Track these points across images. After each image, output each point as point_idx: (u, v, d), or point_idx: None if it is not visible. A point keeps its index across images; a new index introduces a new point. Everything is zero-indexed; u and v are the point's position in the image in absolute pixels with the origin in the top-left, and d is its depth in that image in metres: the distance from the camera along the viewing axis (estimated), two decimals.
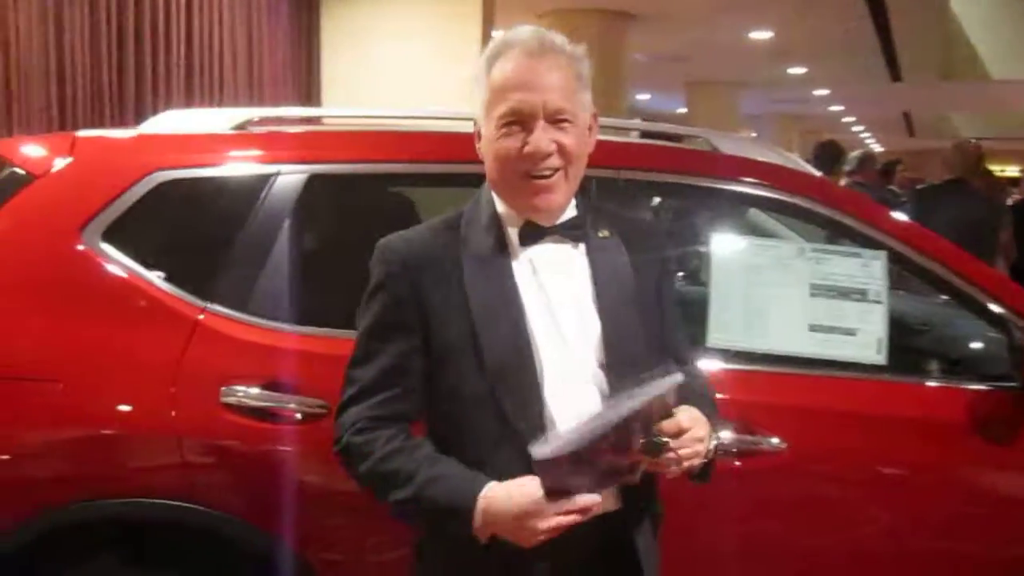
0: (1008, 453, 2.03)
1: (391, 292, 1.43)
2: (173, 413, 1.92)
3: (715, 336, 2.09)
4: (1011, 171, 23.52)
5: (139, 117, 4.75)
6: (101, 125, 4.53)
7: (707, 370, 1.89)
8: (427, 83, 5.99)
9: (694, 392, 1.47)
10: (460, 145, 2.20)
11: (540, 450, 1.25)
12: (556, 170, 1.38)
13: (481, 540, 1.34)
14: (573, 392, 1.40)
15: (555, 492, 1.28)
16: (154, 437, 1.94)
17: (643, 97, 16.78)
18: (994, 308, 2.13)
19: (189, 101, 5.13)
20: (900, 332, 2.55)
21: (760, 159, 2.28)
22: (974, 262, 2.20)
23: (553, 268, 1.45)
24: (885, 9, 8.19)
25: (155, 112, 4.59)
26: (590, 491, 1.29)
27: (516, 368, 1.38)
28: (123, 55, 4.77)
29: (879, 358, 2.09)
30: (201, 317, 1.99)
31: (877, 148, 28.22)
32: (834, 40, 10.06)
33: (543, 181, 1.39)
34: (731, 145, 2.30)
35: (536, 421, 1.37)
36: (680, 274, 2.90)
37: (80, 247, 2.01)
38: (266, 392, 1.93)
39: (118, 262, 2.01)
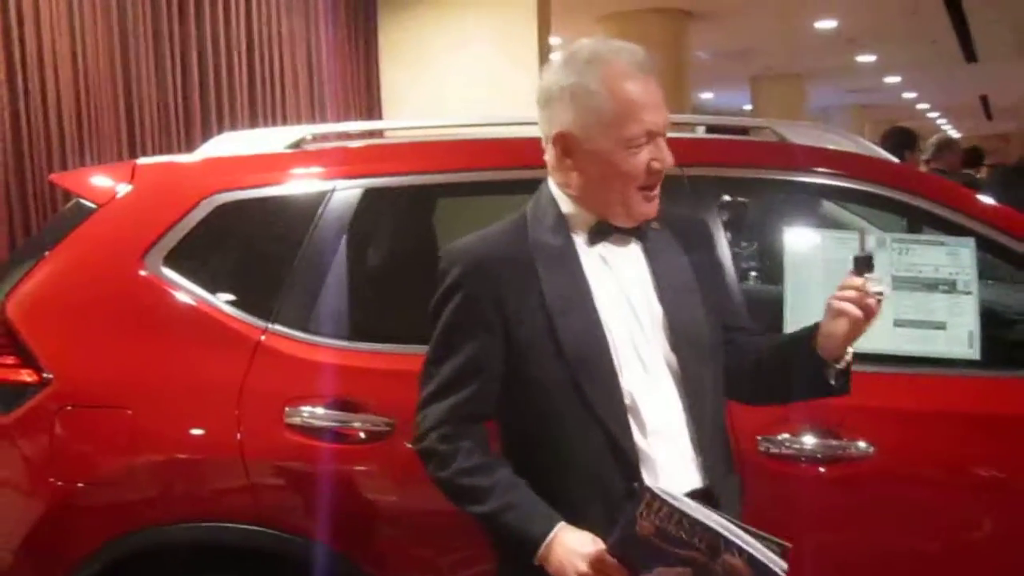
0: None
1: (468, 290, 1.47)
2: (238, 436, 1.91)
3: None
4: None
5: (206, 141, 4.84)
6: (169, 150, 4.62)
7: None
8: (486, 92, 5.98)
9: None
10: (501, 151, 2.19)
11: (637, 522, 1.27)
12: (659, 183, 1.48)
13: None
14: (650, 377, 1.47)
15: (620, 554, 1.30)
16: (220, 460, 1.92)
17: (706, 96, 16.53)
18: None
19: (253, 122, 5.20)
20: (996, 324, 2.42)
21: (831, 147, 2.17)
22: None
23: (620, 261, 1.51)
24: None
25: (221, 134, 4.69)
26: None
27: (595, 356, 1.44)
28: (187, 81, 4.86)
29: (971, 352, 1.96)
30: (263, 338, 1.97)
31: (954, 134, 27.37)
32: (903, 24, 9.72)
33: (655, 193, 1.48)
34: (799, 134, 2.20)
35: (618, 406, 1.43)
36: (754, 272, 2.80)
37: (143, 272, 2.02)
38: (330, 412, 1.91)
39: (180, 286, 2.01)
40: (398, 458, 1.89)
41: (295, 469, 1.92)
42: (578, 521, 1.40)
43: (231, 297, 2.01)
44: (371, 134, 2.72)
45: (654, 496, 1.25)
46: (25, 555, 1.98)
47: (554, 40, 8.82)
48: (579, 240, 1.50)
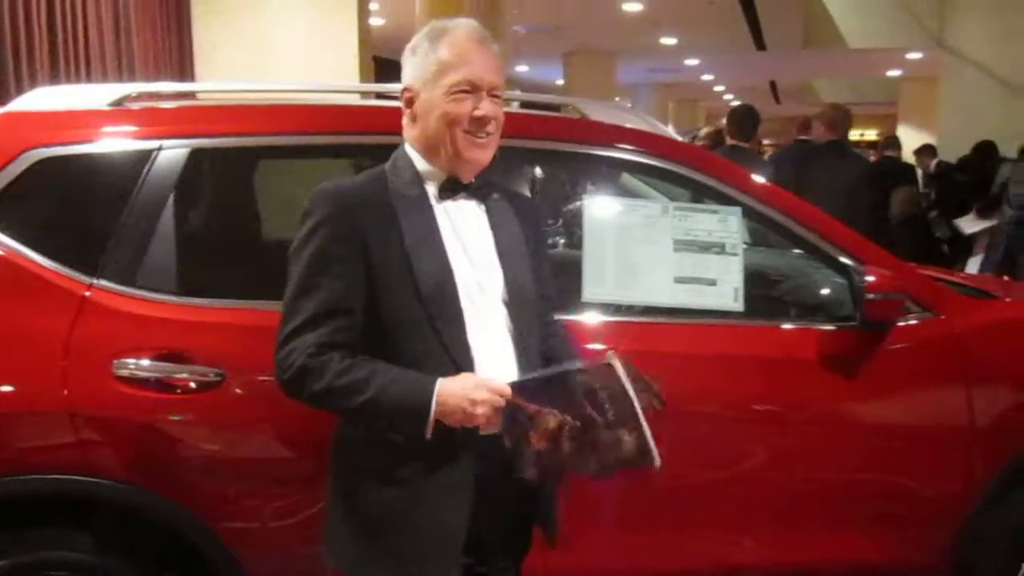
0: (850, 384, 2.27)
1: (332, 229, 1.61)
2: (65, 389, 1.94)
3: (589, 291, 2.25)
4: (870, 135, 24.91)
5: (2, 100, 4.56)
6: None
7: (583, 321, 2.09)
8: (302, 55, 5.92)
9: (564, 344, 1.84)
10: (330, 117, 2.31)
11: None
12: (490, 134, 1.67)
13: (427, 435, 1.57)
14: (486, 322, 1.67)
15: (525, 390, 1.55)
16: (46, 412, 1.95)
17: (522, 68, 16.95)
18: (839, 257, 2.36)
19: (54, 75, 4.93)
20: (762, 283, 2.80)
21: (627, 124, 2.44)
22: (819, 214, 2.42)
23: (465, 219, 1.71)
24: None
25: (19, 90, 4.45)
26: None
27: (446, 297, 1.63)
28: None
29: (737, 305, 2.29)
30: (88, 293, 2.00)
31: None
32: (701, 11, 10.44)
33: (482, 140, 1.66)
34: (599, 112, 2.45)
35: (463, 346, 1.63)
36: (559, 238, 3.05)
37: None
38: (158, 363, 1.97)
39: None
40: (228, 407, 2.00)
41: (125, 419, 1.97)
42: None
43: (54, 252, 2.01)
44: (194, 95, 2.74)
45: (612, 364, 1.50)
46: None
47: (372, 7, 8.80)
48: (431, 194, 1.69)
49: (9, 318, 1.98)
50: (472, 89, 1.63)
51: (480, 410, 1.54)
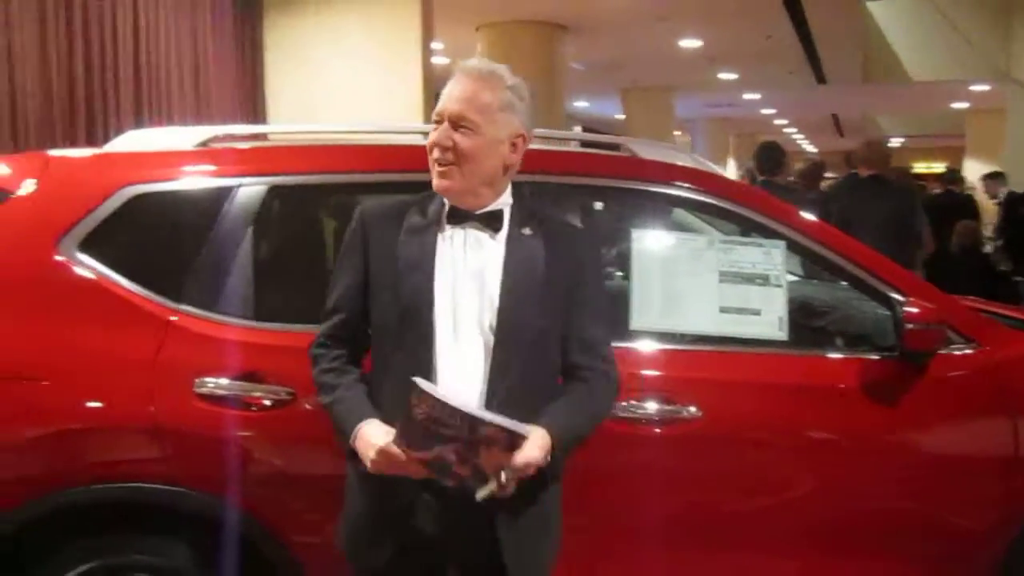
0: (891, 413, 2.33)
1: (349, 240, 1.83)
2: (151, 405, 2.12)
3: (638, 320, 2.36)
4: (937, 167, 24.51)
5: (89, 137, 4.89)
6: (53, 143, 4.66)
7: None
8: (368, 95, 6.18)
9: (575, 405, 1.78)
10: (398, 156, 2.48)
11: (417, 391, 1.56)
12: (449, 164, 1.70)
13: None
14: (460, 349, 1.73)
15: (405, 442, 1.61)
16: (134, 427, 2.13)
17: (581, 104, 17.16)
18: (880, 288, 2.43)
19: (138, 118, 5.27)
20: (808, 314, 2.87)
21: (676, 163, 2.57)
22: (861, 248, 2.50)
23: (468, 246, 1.76)
24: (804, 17, 8.62)
25: (105, 132, 4.77)
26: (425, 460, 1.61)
27: (418, 312, 1.72)
28: (72, 75, 4.91)
29: (781, 335, 2.38)
30: (173, 318, 2.19)
31: (811, 149, 29.12)
32: (759, 47, 10.51)
33: (439, 168, 1.72)
34: (650, 151, 2.58)
35: (428, 366, 1.71)
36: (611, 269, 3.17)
37: (58, 257, 2.19)
38: (235, 382, 2.14)
39: (95, 270, 2.20)
40: (297, 424, 2.16)
41: (204, 434, 2.14)
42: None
43: (144, 280, 2.21)
44: (270, 136, 2.95)
45: (421, 390, 1.53)
46: None
47: (436, 46, 9.11)
48: (446, 223, 1.77)
49: (102, 340, 2.17)
50: (439, 119, 1.71)
51: (372, 465, 1.67)
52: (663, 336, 2.38)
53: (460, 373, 1.72)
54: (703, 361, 2.38)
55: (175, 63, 5.65)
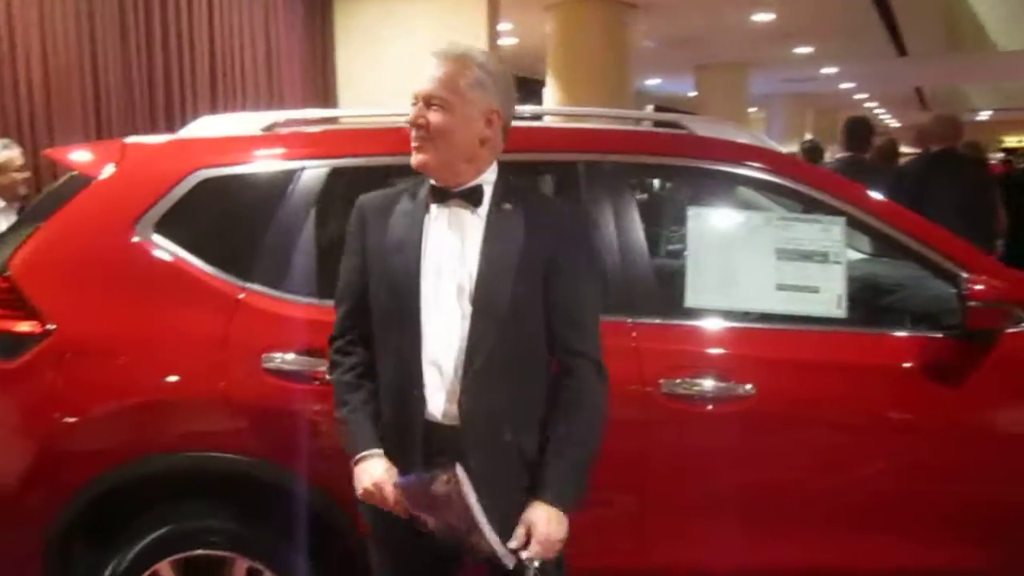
0: (955, 392, 2.29)
1: (350, 227, 1.94)
2: (221, 378, 2.22)
3: (691, 297, 2.37)
4: None
5: (168, 122, 5.09)
6: (133, 131, 4.86)
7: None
8: None
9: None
10: None
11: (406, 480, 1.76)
12: (423, 140, 1.78)
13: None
14: (444, 327, 1.80)
15: (403, 492, 1.76)
16: (206, 399, 2.24)
17: (653, 82, 16.96)
18: (946, 265, 2.39)
19: (214, 105, 5.44)
20: (874, 292, 2.84)
21: (735, 140, 2.55)
22: (926, 225, 2.45)
23: (450, 224, 1.84)
24: None
25: (183, 117, 4.95)
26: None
27: (407, 289, 1.81)
28: (151, 66, 5.11)
29: (839, 312, 2.36)
30: (242, 296, 2.29)
31: (894, 124, 28.20)
32: (836, 19, 10.22)
33: (415, 144, 1.80)
34: (707, 128, 2.57)
35: (415, 344, 1.80)
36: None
37: (135, 238, 2.32)
38: (301, 357, 2.23)
39: (169, 250, 2.32)
40: None
41: (271, 407, 2.24)
42: (384, 417, 1.85)
43: (214, 260, 2.32)
44: (335, 120, 3.03)
45: (457, 478, 1.66)
46: (30, 482, 2.26)
47: (503, 27, 9.11)
48: (431, 203, 1.85)
49: (176, 317, 2.29)
50: (415, 101, 1.80)
51: (363, 493, 1.84)
52: (721, 314, 2.38)
53: (443, 344, 1.80)
54: (760, 339, 2.37)
55: (248, 52, 5.81)
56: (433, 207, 1.84)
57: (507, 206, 1.84)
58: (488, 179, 1.85)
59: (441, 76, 1.77)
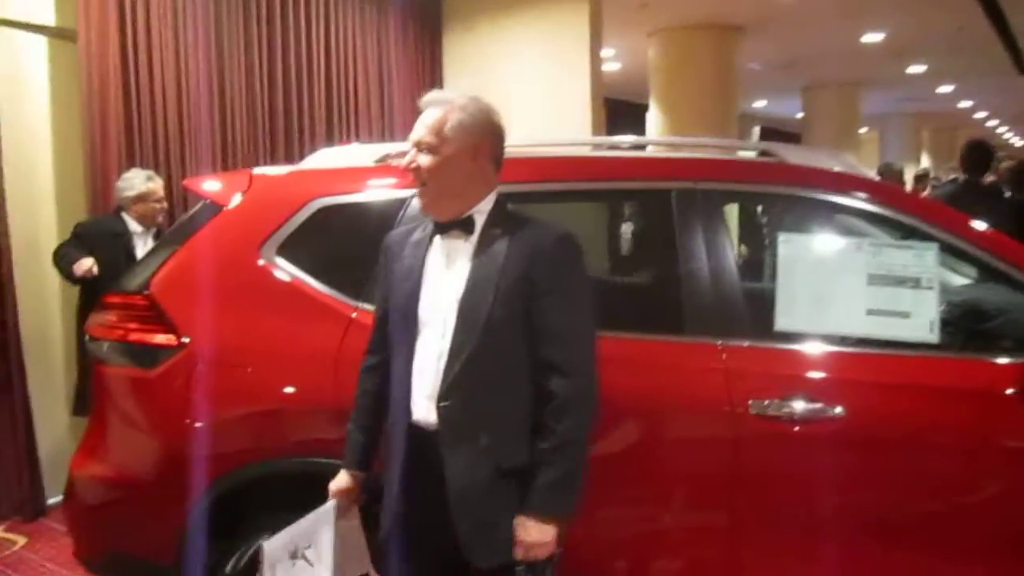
0: None
1: (380, 261, 2.17)
2: (336, 389, 2.41)
3: (782, 321, 2.43)
4: None
5: (288, 153, 5.42)
6: (256, 162, 5.21)
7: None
8: (544, 104, 6.41)
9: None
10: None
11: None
12: (422, 183, 1.98)
13: None
14: (430, 334, 1.99)
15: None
16: (321, 408, 2.43)
17: (760, 104, 16.77)
18: None
19: (329, 134, 5.76)
20: (976, 317, 2.82)
21: (822, 167, 2.61)
22: (1014, 244, 2.45)
23: (446, 252, 2.03)
24: (997, 4, 8.11)
25: (302, 148, 5.27)
26: None
27: (409, 313, 2.01)
28: (272, 102, 5.46)
29: (932, 337, 2.38)
30: (354, 315, 2.48)
31: (1018, 142, 26.93)
32: (949, 37, 9.94)
33: (418, 188, 2.00)
34: (796, 155, 2.64)
35: (409, 349, 2.01)
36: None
37: (260, 261, 2.54)
38: None
39: (290, 272, 2.53)
40: None
41: None
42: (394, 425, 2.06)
43: (330, 281, 2.52)
44: None
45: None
46: (165, 479, 2.49)
47: (606, 52, 9.24)
48: (435, 235, 2.04)
49: (296, 332, 2.49)
50: (412, 147, 1.98)
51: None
52: (811, 337, 2.43)
53: (430, 354, 1.97)
54: (851, 362, 2.41)
55: (362, 82, 6.12)
56: (436, 239, 2.04)
57: (496, 231, 1.98)
58: (481, 209, 2.00)
59: (429, 123, 1.96)
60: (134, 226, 4.19)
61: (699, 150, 2.98)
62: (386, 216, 2.56)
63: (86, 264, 4.04)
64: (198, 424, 2.47)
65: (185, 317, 2.54)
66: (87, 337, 2.73)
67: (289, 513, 2.45)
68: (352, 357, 2.42)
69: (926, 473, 2.34)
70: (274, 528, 2.41)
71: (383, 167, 2.69)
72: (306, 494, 2.46)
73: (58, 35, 4.55)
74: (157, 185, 4.25)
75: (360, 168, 2.69)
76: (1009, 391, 2.32)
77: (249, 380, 2.48)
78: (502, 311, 1.92)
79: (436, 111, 1.97)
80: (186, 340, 2.51)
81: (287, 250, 2.56)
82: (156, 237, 4.28)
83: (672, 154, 2.98)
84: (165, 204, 4.35)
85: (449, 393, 1.93)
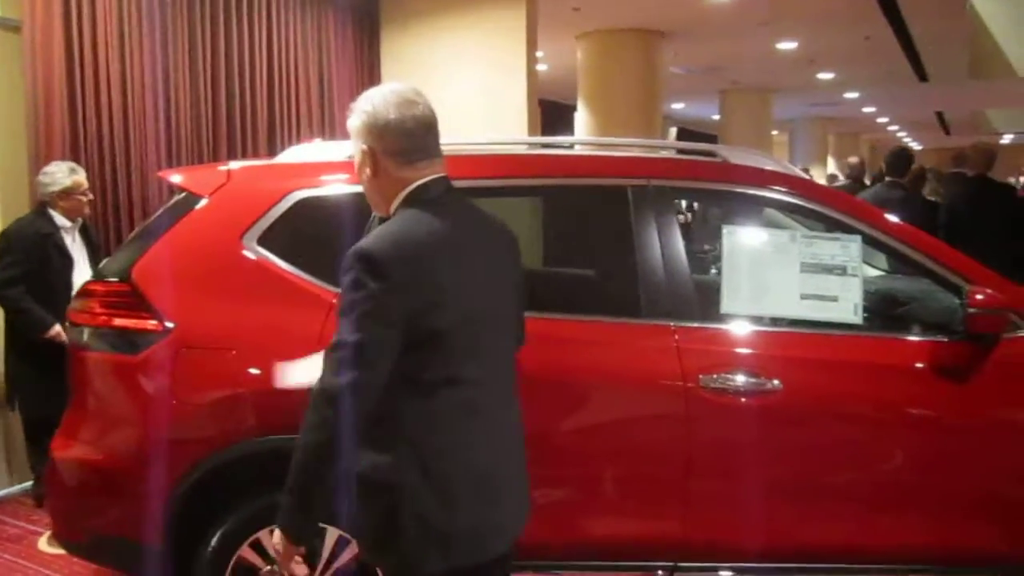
0: (957, 390, 2.61)
1: None
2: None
3: (727, 304, 2.70)
4: None
5: (231, 148, 5.49)
6: (200, 158, 5.27)
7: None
8: (480, 104, 6.61)
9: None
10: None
11: None
12: None
13: None
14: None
15: None
16: (304, 388, 2.57)
17: (678, 106, 17.33)
18: (950, 277, 2.71)
19: (271, 132, 5.86)
20: (890, 303, 3.16)
21: (763, 167, 2.90)
22: (933, 242, 2.78)
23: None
24: (901, 16, 8.67)
25: (244, 144, 5.36)
26: None
27: None
28: (216, 98, 5.55)
29: (856, 319, 2.68)
30: (334, 300, 2.63)
31: (916, 147, 28.39)
32: (857, 47, 10.54)
33: None
34: (738, 156, 2.91)
35: None
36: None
37: (243, 251, 2.68)
38: None
39: (271, 260, 2.67)
40: None
41: None
42: None
43: (310, 269, 2.67)
44: None
45: None
46: (149, 461, 2.59)
47: (539, 54, 9.50)
48: None
49: (277, 317, 2.63)
50: None
51: None
52: (752, 319, 2.72)
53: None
54: (786, 341, 2.70)
55: (303, 80, 6.23)
56: None
57: None
58: (393, 208, 1.92)
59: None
60: (61, 221, 4.08)
61: (632, 150, 3.24)
62: (360, 207, 2.71)
63: (55, 331, 3.96)
64: (182, 406, 2.59)
65: (167, 304, 2.65)
66: (67, 323, 2.81)
67: (273, 489, 2.61)
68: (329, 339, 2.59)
69: (850, 437, 2.64)
70: (257, 503, 2.56)
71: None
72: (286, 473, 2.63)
73: (2, 26, 4.54)
74: (82, 177, 4.14)
75: (335, 162, 2.85)
76: (919, 365, 2.64)
77: (233, 363, 2.61)
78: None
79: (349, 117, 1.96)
80: (170, 325, 2.62)
81: (268, 239, 2.69)
82: (83, 231, 4.25)
83: (626, 154, 3.22)
84: (91, 196, 4.25)
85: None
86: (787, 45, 10.69)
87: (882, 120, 21.62)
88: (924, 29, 9.36)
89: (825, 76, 13.46)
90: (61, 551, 3.56)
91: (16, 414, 4.29)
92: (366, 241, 1.81)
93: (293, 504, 1.80)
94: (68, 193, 4.08)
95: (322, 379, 1.80)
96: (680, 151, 3.25)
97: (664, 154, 3.20)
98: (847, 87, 14.80)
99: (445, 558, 1.79)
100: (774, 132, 18.06)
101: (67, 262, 4.09)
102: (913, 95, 15.49)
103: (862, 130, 23.57)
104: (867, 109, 18.69)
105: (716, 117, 16.34)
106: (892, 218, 2.87)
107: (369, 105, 1.91)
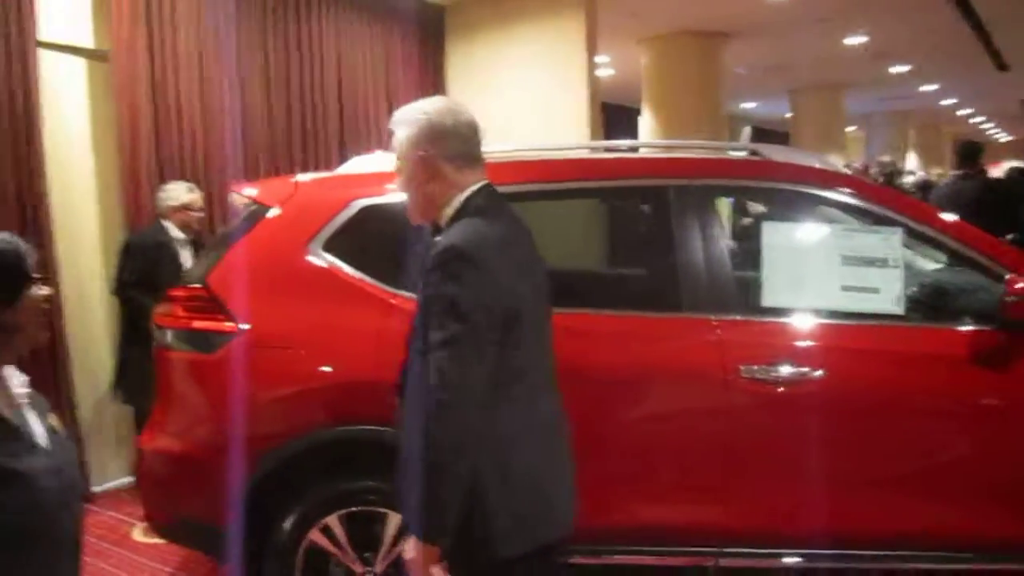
0: (992, 375, 2.66)
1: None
2: (378, 366, 2.74)
3: (768, 297, 2.79)
4: None
5: (304, 164, 5.78)
6: (276, 173, 5.56)
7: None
8: (542, 111, 6.75)
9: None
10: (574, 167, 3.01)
11: None
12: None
13: None
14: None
15: None
16: (366, 382, 2.76)
17: (749, 105, 17.17)
18: (993, 267, 2.75)
19: (341, 145, 6.11)
20: (940, 295, 3.19)
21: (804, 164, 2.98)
22: (975, 232, 2.82)
23: None
24: (971, 6, 8.49)
25: (316, 160, 5.63)
26: None
27: None
28: (290, 118, 5.84)
29: (897, 309, 2.74)
30: (394, 300, 2.82)
31: (1004, 138, 27.39)
32: (929, 38, 10.33)
33: None
34: (778, 154, 3.00)
35: None
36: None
37: (308, 257, 2.88)
38: None
39: (335, 265, 2.87)
40: None
41: None
42: None
43: (371, 271, 2.86)
44: None
45: None
46: (225, 451, 2.80)
47: (600, 59, 9.59)
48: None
49: (341, 317, 2.83)
50: None
51: None
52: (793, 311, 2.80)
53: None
54: (827, 332, 2.77)
55: (372, 95, 6.48)
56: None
57: (439, 237, 1.95)
58: (447, 212, 1.97)
59: (394, 145, 2.03)
60: (176, 233, 4.50)
61: (691, 151, 3.34)
62: None
63: None
64: (255, 400, 2.81)
65: (241, 306, 2.88)
66: (154, 326, 3.07)
67: (341, 476, 2.81)
68: (392, 337, 2.76)
69: (896, 425, 2.70)
70: (327, 489, 2.75)
71: None
72: (357, 459, 2.82)
73: (93, 56, 4.88)
74: (197, 196, 4.57)
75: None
76: (961, 353, 2.69)
77: (301, 361, 2.81)
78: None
79: (395, 133, 2.02)
80: (244, 327, 2.84)
81: (332, 246, 2.90)
82: (194, 244, 4.60)
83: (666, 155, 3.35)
84: (204, 214, 4.68)
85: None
86: (856, 40, 10.53)
87: (964, 112, 20.96)
88: (993, 14, 9.11)
89: (899, 70, 13.18)
90: (152, 540, 3.85)
91: (126, 407, 4.64)
92: (454, 239, 1.84)
93: (435, 506, 1.78)
94: (184, 208, 4.50)
95: (442, 376, 1.77)
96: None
97: (704, 154, 3.29)
98: (923, 80, 14.45)
99: (522, 542, 1.86)
100: (851, 128, 17.69)
101: (176, 270, 4.42)
102: (994, 85, 15.02)
103: (945, 123, 22.87)
104: (946, 101, 18.17)
105: (788, 115, 16.13)
106: (935, 210, 2.92)
107: (422, 114, 1.99)
